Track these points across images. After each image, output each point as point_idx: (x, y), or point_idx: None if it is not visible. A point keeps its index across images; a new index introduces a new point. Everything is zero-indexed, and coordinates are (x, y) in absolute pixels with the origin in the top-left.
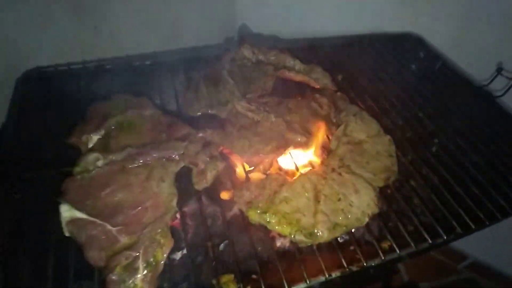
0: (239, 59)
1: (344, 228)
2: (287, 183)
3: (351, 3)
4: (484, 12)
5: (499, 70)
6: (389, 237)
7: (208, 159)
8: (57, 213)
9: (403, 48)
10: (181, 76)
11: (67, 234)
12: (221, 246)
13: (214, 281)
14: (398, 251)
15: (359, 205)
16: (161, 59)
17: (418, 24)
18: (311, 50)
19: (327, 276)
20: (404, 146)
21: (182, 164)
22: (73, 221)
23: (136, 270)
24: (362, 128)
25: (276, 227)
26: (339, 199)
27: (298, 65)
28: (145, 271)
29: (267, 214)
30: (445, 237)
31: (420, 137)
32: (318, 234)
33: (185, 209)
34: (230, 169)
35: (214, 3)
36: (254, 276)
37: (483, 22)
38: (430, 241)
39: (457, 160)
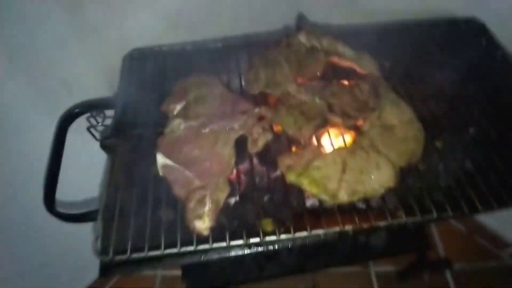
0: (295, 45)
1: (362, 195)
2: (321, 155)
3: None
4: None
5: None
6: (399, 206)
7: (261, 130)
8: (154, 160)
9: (463, 34)
10: (245, 58)
11: (161, 175)
12: (265, 198)
13: (257, 222)
14: (404, 217)
15: (378, 178)
16: (230, 42)
17: (484, 8)
18: (365, 35)
19: (341, 227)
20: (436, 132)
21: (241, 133)
22: (165, 166)
23: (204, 204)
24: (396, 115)
25: (307, 187)
26: (362, 172)
27: (347, 52)
28: (210, 206)
29: (302, 177)
30: (451, 213)
31: (455, 123)
32: (339, 196)
33: (241, 167)
34: (278, 140)
35: None
36: (287, 223)
37: None
38: (436, 215)
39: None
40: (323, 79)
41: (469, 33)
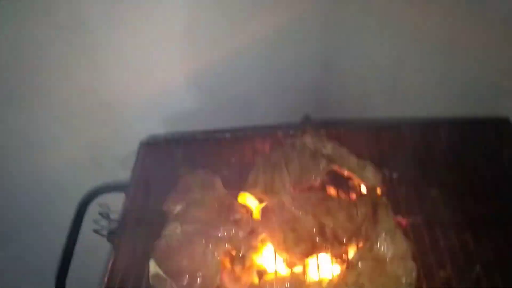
0: (299, 146)
1: None
2: (302, 285)
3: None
4: None
5: None
6: None
7: (248, 246)
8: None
9: (490, 136)
10: (248, 154)
11: (151, 283)
12: None
13: None
14: None
15: None
16: (238, 133)
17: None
18: (377, 135)
19: None
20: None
21: (229, 246)
22: (156, 276)
23: None
24: (390, 248)
25: None
26: None
27: (351, 160)
28: None
29: None
30: None
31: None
32: None
33: None
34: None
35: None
36: None
37: None
38: None
39: None
40: (321, 190)
41: (498, 133)
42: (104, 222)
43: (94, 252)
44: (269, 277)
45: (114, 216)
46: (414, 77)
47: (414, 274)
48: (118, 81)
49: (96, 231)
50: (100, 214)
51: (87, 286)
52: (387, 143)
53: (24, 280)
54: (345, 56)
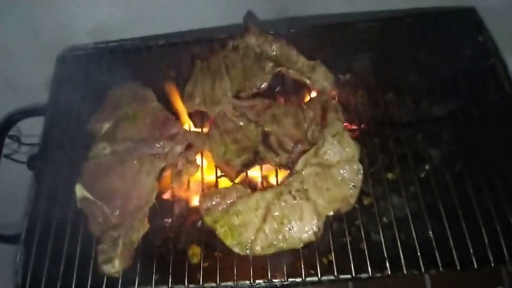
0: (242, 48)
1: (278, 249)
2: (245, 195)
3: None
4: None
5: None
6: (317, 263)
7: (185, 162)
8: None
9: (453, 30)
10: (187, 62)
11: (79, 207)
12: (199, 223)
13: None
14: (319, 277)
15: (299, 231)
16: (174, 39)
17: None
18: (333, 32)
19: (251, 282)
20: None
21: (165, 163)
22: (84, 199)
23: (116, 246)
24: (337, 152)
25: (221, 236)
26: (283, 223)
27: (301, 62)
28: (122, 248)
29: (218, 224)
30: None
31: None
32: (253, 248)
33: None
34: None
35: None
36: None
37: None
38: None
39: (444, 194)
40: (268, 96)
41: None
42: (15, 146)
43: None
44: (211, 191)
45: (32, 141)
46: None
47: (360, 177)
48: None
49: (6, 156)
50: (10, 137)
51: (9, 220)
52: (342, 42)
53: None
54: None
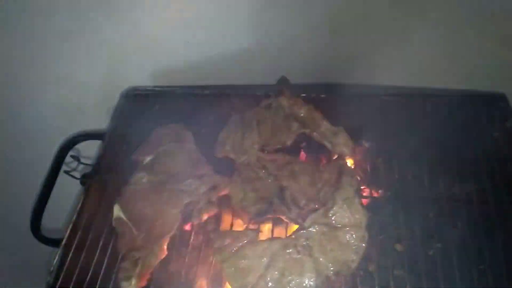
0: (275, 107)
1: None
2: (255, 242)
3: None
4: None
5: None
6: None
7: (207, 201)
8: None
9: (481, 114)
10: (224, 113)
11: (113, 225)
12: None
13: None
14: None
15: (298, 286)
16: (216, 91)
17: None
18: (358, 103)
19: None
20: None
21: (189, 199)
22: (118, 219)
23: (136, 266)
24: (345, 215)
25: (226, 275)
26: (284, 274)
27: (324, 126)
28: (141, 269)
29: (225, 263)
30: None
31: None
32: None
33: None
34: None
35: None
36: None
37: None
38: None
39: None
40: (290, 153)
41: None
42: (74, 165)
43: (69, 197)
44: (225, 232)
45: (88, 161)
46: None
47: (364, 245)
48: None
49: (66, 172)
50: (72, 156)
51: (60, 226)
52: (367, 112)
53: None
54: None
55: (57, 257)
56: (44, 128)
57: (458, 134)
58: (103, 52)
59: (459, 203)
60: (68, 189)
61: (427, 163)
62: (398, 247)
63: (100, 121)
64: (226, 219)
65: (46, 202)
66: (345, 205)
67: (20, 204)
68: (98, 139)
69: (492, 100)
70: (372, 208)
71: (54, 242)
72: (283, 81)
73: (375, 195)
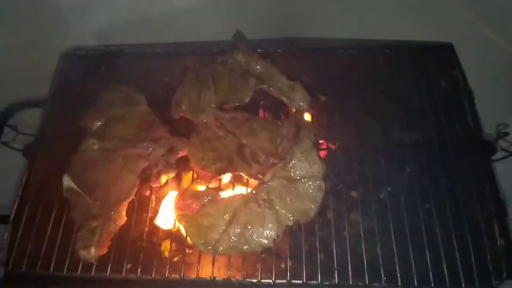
0: (231, 63)
1: (239, 251)
2: (216, 200)
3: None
4: None
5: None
6: (273, 268)
7: (165, 163)
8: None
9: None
10: (178, 71)
11: (64, 195)
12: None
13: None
14: (272, 280)
15: (260, 237)
16: (169, 48)
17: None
18: (313, 57)
19: (212, 277)
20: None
21: (147, 163)
22: (69, 189)
23: (94, 235)
24: (303, 167)
25: (188, 234)
26: (246, 228)
27: (281, 81)
28: (99, 237)
29: (188, 223)
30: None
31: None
32: (216, 249)
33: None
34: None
35: None
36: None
37: None
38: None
39: (398, 214)
40: (249, 109)
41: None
42: (12, 135)
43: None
44: (186, 192)
45: (30, 131)
46: None
47: (321, 194)
48: None
49: (4, 143)
50: (9, 126)
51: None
52: (323, 66)
53: None
54: None
55: (6, 234)
56: None
57: (409, 84)
58: (40, 9)
59: (408, 150)
60: (8, 163)
61: (380, 114)
62: (354, 193)
63: (38, 87)
64: (186, 180)
65: None
66: (303, 158)
67: None
68: (37, 107)
69: (440, 50)
70: (329, 159)
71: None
72: (238, 36)
73: (332, 147)
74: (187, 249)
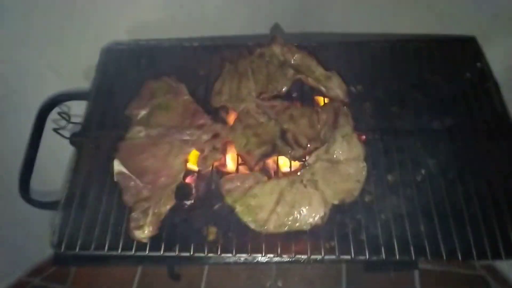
0: (268, 56)
1: (288, 228)
2: (262, 182)
3: None
4: None
5: None
6: (321, 245)
7: (212, 149)
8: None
9: (455, 55)
10: (216, 64)
11: (115, 180)
12: (216, 206)
13: (204, 228)
14: (322, 256)
15: (307, 215)
16: (209, 43)
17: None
18: (348, 50)
19: (263, 254)
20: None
21: (193, 148)
22: (120, 173)
23: (147, 215)
24: (345, 150)
25: (240, 214)
26: (293, 206)
27: (318, 71)
28: (152, 218)
29: (237, 203)
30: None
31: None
32: (265, 227)
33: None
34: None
35: None
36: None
37: None
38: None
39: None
40: (287, 99)
41: (464, 55)
42: (63, 123)
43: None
44: (232, 175)
45: (77, 120)
46: None
47: (364, 174)
48: None
49: (55, 130)
50: (59, 114)
51: (51, 188)
52: (355, 58)
53: None
54: None
55: (57, 217)
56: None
57: (435, 75)
58: (78, 7)
59: (441, 134)
60: (56, 154)
61: (410, 103)
62: (390, 177)
63: (79, 82)
64: (231, 165)
65: (32, 165)
66: (344, 142)
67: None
68: (80, 99)
69: (464, 43)
70: (365, 145)
71: (48, 205)
72: (276, 28)
73: (366, 133)
74: (230, 233)
